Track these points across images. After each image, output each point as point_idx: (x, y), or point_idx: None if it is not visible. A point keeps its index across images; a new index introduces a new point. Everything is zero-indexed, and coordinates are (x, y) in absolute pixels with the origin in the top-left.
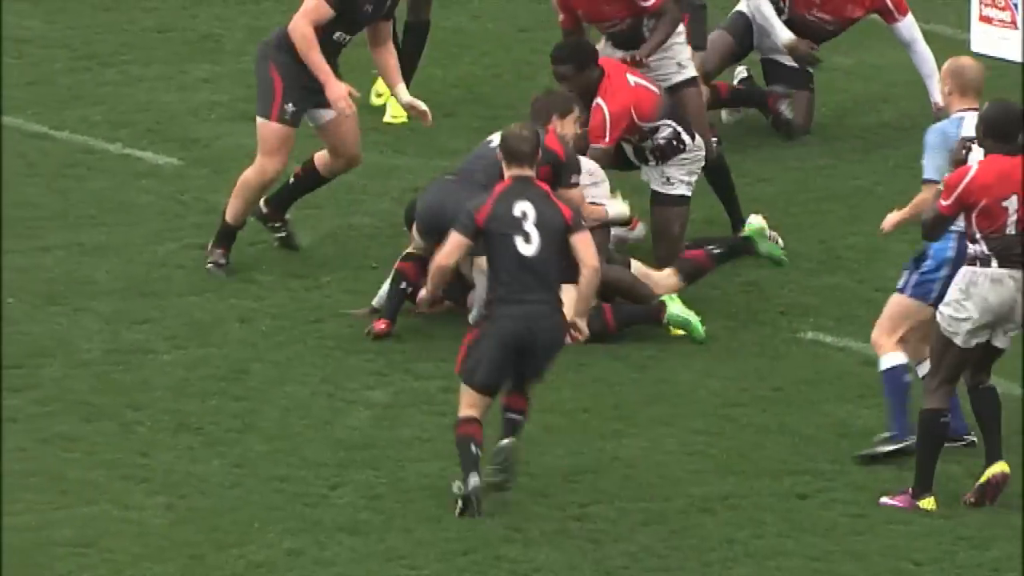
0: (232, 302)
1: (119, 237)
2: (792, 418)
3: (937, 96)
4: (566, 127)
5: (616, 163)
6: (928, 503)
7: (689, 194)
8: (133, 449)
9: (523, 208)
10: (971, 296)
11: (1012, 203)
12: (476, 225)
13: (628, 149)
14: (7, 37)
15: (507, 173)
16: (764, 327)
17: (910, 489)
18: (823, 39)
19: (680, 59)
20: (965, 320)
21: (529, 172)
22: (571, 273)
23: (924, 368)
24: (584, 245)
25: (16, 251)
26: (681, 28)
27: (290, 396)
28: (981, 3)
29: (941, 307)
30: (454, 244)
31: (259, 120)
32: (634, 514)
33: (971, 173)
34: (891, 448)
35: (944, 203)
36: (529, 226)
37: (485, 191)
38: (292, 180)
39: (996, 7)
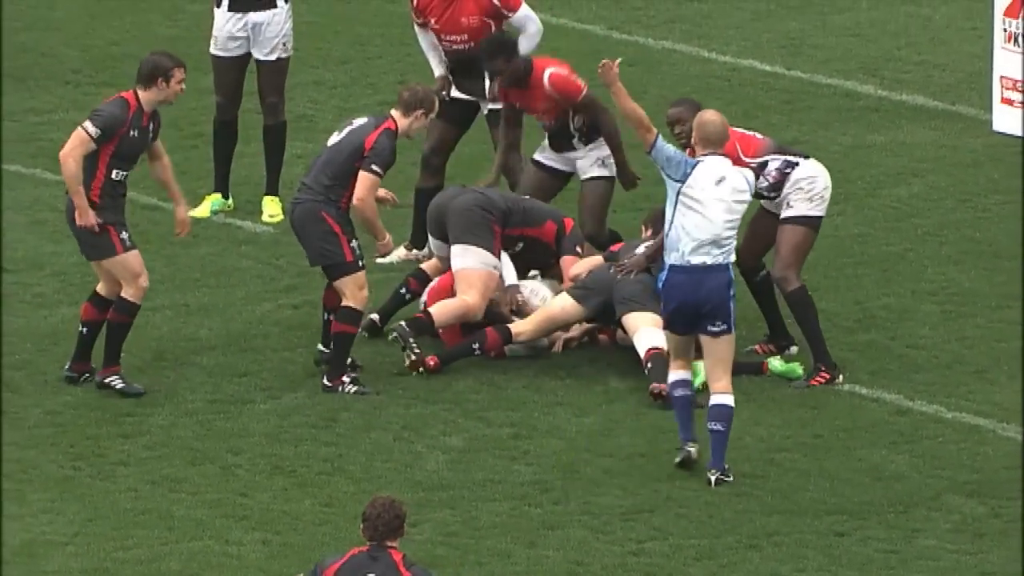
0: None
1: (221, 298)
2: (831, 463)
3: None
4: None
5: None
6: None
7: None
8: (233, 490)
9: (357, 120)
10: None
11: None
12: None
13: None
14: None
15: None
16: None
17: None
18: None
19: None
20: None
21: (394, 112)
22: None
23: None
24: (360, 181)
25: None
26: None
27: (375, 442)
28: (1002, 87)
29: None
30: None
31: (108, 261)
32: (687, 550)
33: None
34: None
35: None
36: (345, 126)
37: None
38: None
39: (1016, 91)
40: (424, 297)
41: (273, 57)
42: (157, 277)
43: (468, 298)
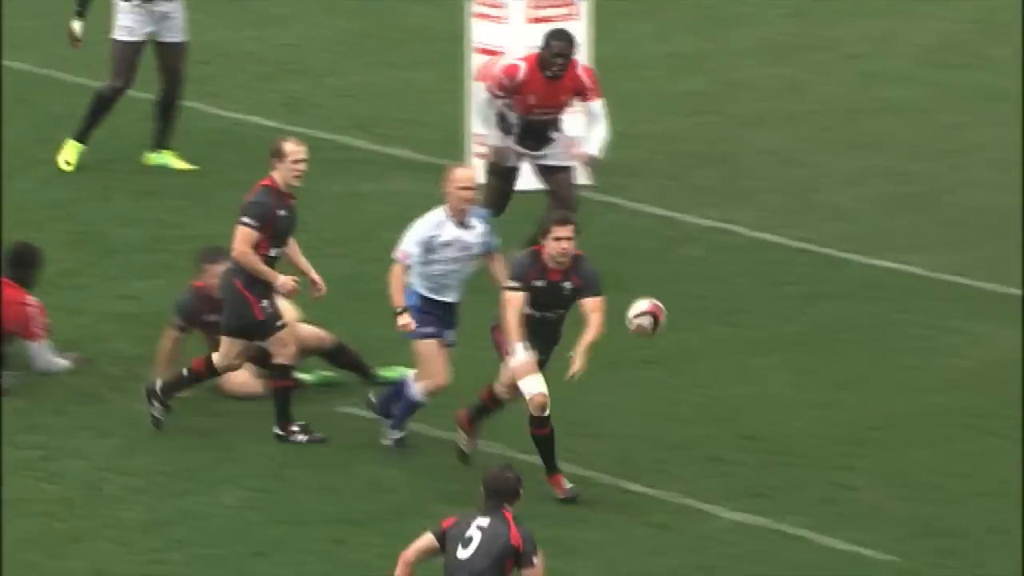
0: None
1: None
2: None
3: (593, 148)
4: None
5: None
6: None
7: None
8: None
9: (480, 523)
10: None
11: None
12: (440, 530)
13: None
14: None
15: (485, 503)
16: None
17: None
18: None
19: None
20: None
21: (504, 504)
22: None
23: None
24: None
25: None
26: None
27: None
28: (475, 143)
29: None
30: (423, 543)
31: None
32: (203, 559)
33: None
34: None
35: None
36: (475, 533)
37: None
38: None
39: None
40: None
41: None
42: None
43: (215, 359)
